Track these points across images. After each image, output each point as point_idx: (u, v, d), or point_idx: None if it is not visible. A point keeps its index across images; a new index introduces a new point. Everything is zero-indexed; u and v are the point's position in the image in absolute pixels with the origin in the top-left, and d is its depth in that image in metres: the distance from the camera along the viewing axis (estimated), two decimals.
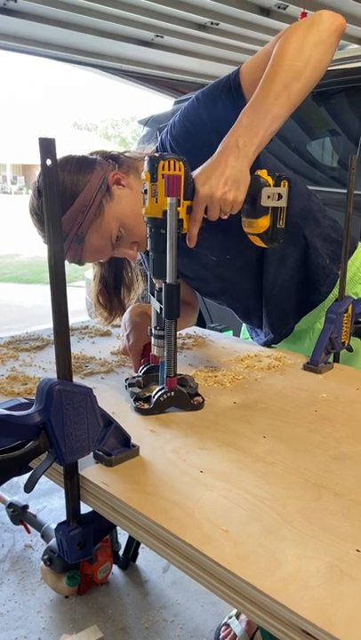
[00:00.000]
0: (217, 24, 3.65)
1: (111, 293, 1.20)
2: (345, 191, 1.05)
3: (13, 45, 3.97)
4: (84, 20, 3.41)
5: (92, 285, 1.22)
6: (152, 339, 0.89)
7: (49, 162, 0.56)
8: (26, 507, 1.67)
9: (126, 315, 1.11)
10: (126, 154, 1.11)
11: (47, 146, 0.56)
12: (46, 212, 0.57)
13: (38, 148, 0.55)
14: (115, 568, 1.64)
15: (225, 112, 0.94)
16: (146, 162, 0.81)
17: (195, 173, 0.84)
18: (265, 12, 3.57)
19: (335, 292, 1.17)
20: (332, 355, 1.10)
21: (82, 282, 3.41)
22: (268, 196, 0.87)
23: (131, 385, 0.92)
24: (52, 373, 0.64)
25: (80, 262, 1.06)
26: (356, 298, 1.13)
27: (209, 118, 0.96)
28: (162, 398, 0.84)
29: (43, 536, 1.61)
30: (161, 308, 0.81)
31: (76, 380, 0.99)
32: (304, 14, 3.69)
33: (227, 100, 0.95)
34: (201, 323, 1.79)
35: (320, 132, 2.54)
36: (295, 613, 0.45)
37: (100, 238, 1.02)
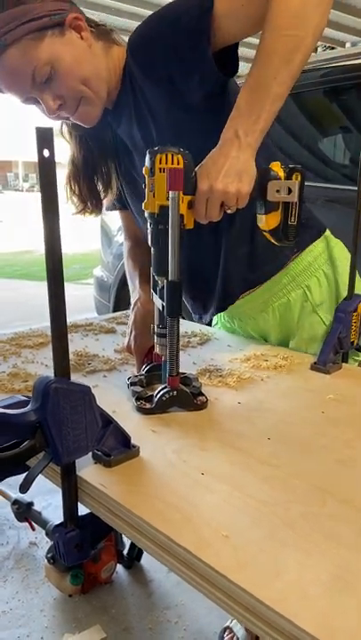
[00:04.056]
0: None
1: (82, 179, 1.10)
2: (356, 188, 1.03)
3: None
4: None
5: (66, 166, 1.13)
6: (155, 337, 0.87)
7: (46, 152, 0.54)
8: (31, 504, 1.66)
9: (133, 314, 1.08)
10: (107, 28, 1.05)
11: (44, 136, 0.54)
12: (43, 204, 0.55)
13: (35, 138, 0.54)
14: (119, 567, 1.62)
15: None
16: (146, 156, 0.79)
17: (197, 169, 0.81)
18: None
19: (278, 281, 1.08)
20: (340, 354, 1.07)
21: (90, 279, 3.39)
22: (278, 190, 0.82)
23: (133, 384, 0.90)
24: (53, 371, 0.62)
25: None
26: (308, 292, 1.08)
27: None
28: (164, 398, 0.82)
29: (47, 534, 1.60)
30: (163, 306, 0.79)
31: (78, 377, 0.97)
32: None
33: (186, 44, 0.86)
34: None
35: (332, 129, 2.50)
36: (295, 625, 0.43)
37: (23, 62, 0.90)
